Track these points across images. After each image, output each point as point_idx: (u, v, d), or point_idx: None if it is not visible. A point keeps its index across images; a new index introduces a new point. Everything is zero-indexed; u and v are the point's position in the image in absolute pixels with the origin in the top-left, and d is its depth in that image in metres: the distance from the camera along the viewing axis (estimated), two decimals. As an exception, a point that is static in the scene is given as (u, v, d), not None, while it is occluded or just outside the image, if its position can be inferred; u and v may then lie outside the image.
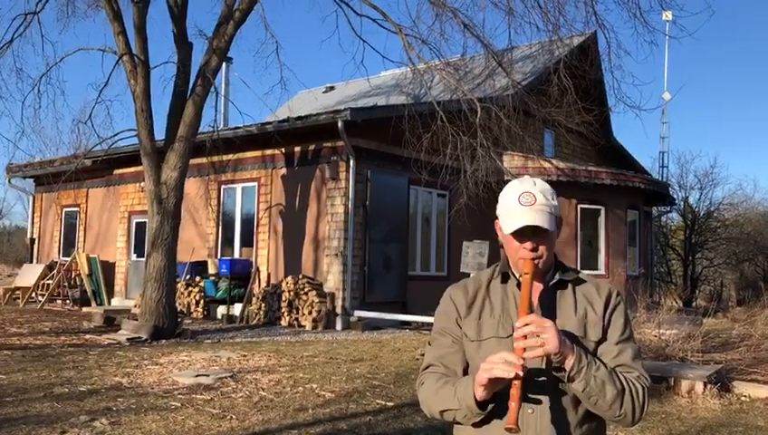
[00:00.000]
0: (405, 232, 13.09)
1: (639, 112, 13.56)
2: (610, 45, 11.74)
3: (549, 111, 11.92)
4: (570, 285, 1.81)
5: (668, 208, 23.49)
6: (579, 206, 14.65)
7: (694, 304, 21.10)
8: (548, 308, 1.77)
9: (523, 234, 1.74)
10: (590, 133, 13.73)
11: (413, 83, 12.11)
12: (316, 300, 11.83)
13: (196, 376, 7.03)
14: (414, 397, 6.26)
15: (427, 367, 1.85)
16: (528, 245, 1.75)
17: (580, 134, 14.84)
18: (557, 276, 1.81)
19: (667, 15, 13.11)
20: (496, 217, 1.84)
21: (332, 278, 12.12)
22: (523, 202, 1.75)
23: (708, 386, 6.69)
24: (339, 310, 11.97)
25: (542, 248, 1.75)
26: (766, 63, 54.43)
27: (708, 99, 60.87)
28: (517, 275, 1.80)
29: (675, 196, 22.08)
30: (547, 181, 1.87)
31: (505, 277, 1.85)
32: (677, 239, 25.56)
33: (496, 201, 1.87)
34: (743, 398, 6.81)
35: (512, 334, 1.69)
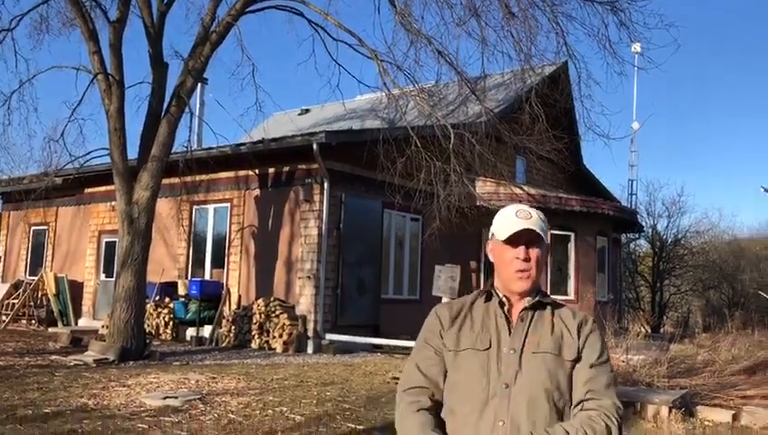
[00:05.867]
0: (378, 255, 13.13)
1: (608, 141, 13.79)
2: (581, 75, 12.05)
3: (521, 138, 12.11)
4: (549, 308, 1.92)
5: (637, 236, 23.92)
6: (549, 232, 14.82)
7: (661, 330, 21.41)
8: (526, 325, 1.87)
9: (517, 241, 1.86)
10: (561, 160, 13.95)
11: (388, 108, 12.24)
12: (287, 323, 11.76)
13: (165, 398, 6.94)
14: (384, 420, 6.26)
15: (407, 389, 1.88)
16: (521, 253, 1.86)
17: (551, 161, 15.08)
18: (537, 298, 1.91)
19: (636, 48, 13.51)
20: (489, 239, 1.95)
21: (304, 301, 12.08)
22: (519, 216, 1.89)
23: (673, 411, 6.81)
24: (310, 333, 11.92)
25: (533, 258, 1.87)
26: (728, 99, 55.98)
27: (675, 129, 62.26)
28: (501, 295, 1.90)
29: (643, 223, 22.48)
30: (517, 207, 1.97)
31: (489, 296, 1.94)
32: (646, 266, 25.96)
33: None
34: (706, 423, 6.92)
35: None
